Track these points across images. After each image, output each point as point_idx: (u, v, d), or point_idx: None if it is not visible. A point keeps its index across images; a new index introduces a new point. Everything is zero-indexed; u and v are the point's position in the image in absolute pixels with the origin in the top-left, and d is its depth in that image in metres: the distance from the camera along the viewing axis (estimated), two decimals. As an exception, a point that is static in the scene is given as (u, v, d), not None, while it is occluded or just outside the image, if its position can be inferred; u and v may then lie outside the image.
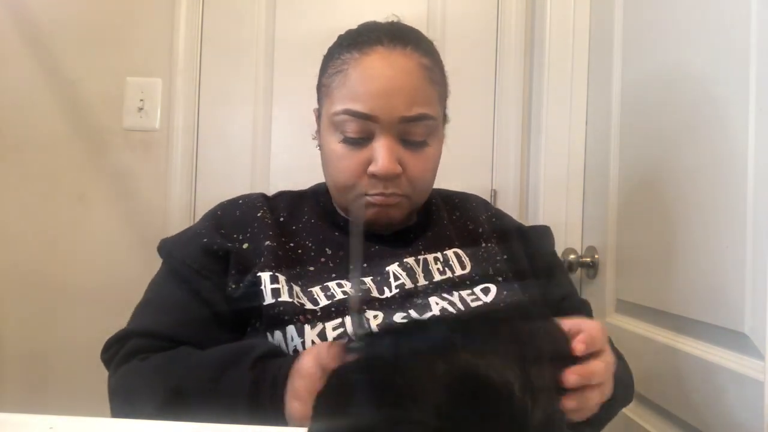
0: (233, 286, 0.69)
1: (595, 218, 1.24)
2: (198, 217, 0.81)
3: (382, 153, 0.70)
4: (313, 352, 0.57)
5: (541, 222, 1.28)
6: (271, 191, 0.86)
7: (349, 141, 0.71)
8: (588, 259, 1.23)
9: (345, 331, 0.65)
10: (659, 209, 0.95)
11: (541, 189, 1.32)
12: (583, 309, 0.81)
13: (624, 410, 1.03)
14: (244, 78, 1.41)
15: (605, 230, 1.16)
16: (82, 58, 1.40)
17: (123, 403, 0.64)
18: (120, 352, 0.67)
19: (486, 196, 1.26)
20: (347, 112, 0.70)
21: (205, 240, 0.72)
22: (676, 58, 0.90)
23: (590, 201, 1.27)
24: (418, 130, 0.71)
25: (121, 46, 1.40)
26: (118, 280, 1.33)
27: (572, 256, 1.26)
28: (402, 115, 0.69)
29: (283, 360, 0.61)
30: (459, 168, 1.39)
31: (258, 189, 1.42)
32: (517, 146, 1.40)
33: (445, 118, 0.79)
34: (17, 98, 1.40)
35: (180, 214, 1.37)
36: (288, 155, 1.41)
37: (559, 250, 1.27)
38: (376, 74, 0.69)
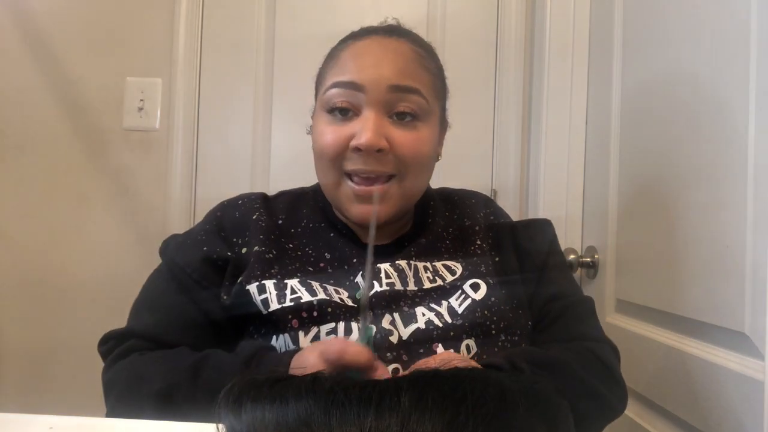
0: (225, 296, 0.69)
1: (595, 218, 1.24)
2: (198, 217, 0.81)
3: (365, 124, 0.66)
4: (319, 348, 0.56)
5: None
6: (271, 191, 0.86)
7: (335, 114, 0.69)
8: (588, 259, 1.23)
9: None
10: (659, 209, 0.95)
11: (541, 189, 1.32)
12: (570, 311, 0.75)
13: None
14: (244, 78, 1.41)
15: (605, 230, 1.16)
16: (82, 58, 1.40)
17: (119, 396, 0.65)
18: (117, 348, 0.68)
19: (486, 196, 1.26)
20: (335, 84, 0.69)
21: (205, 248, 0.72)
22: (676, 58, 0.90)
23: (590, 201, 1.27)
24: (407, 104, 0.68)
25: (121, 46, 1.40)
26: (118, 279, 1.33)
27: (572, 256, 1.26)
28: (390, 84, 0.67)
29: (283, 354, 0.61)
30: (459, 168, 1.39)
31: (258, 189, 1.42)
32: (517, 146, 1.40)
33: (444, 124, 0.78)
34: (17, 98, 1.40)
35: (180, 214, 1.38)
36: (288, 155, 1.41)
37: (559, 250, 1.27)
38: (367, 50, 0.69)
